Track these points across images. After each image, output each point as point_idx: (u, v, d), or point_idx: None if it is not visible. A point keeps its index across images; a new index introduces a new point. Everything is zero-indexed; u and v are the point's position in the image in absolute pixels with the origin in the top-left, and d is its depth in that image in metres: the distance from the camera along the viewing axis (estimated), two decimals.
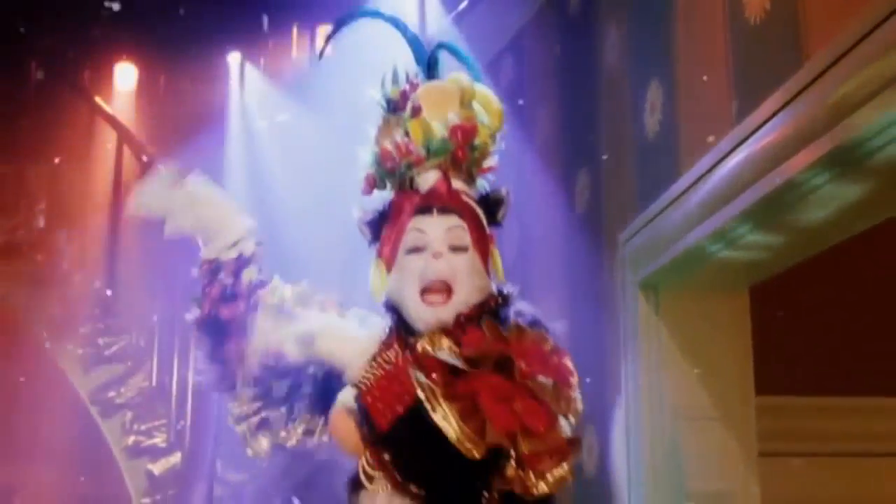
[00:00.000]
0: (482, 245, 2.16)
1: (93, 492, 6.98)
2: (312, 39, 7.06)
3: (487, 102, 2.24)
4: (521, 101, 4.99)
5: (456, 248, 2.12)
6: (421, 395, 1.95)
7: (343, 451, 2.16)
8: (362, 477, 2.07)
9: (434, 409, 1.93)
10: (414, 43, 2.32)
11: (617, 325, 3.99)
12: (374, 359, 2.10)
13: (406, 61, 2.32)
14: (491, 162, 2.23)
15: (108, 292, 7.00)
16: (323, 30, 6.70)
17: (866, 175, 2.69)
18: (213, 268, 2.24)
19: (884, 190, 2.78)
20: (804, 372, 4.63)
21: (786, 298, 4.33)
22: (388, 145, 2.18)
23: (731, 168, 3.10)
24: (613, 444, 3.93)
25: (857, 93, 2.49)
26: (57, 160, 7.32)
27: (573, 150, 4.70)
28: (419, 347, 2.03)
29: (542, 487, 1.94)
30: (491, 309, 2.12)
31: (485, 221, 2.19)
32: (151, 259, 6.78)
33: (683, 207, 3.45)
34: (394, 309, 2.15)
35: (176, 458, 6.01)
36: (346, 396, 2.13)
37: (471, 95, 2.22)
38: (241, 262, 2.25)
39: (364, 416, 2.06)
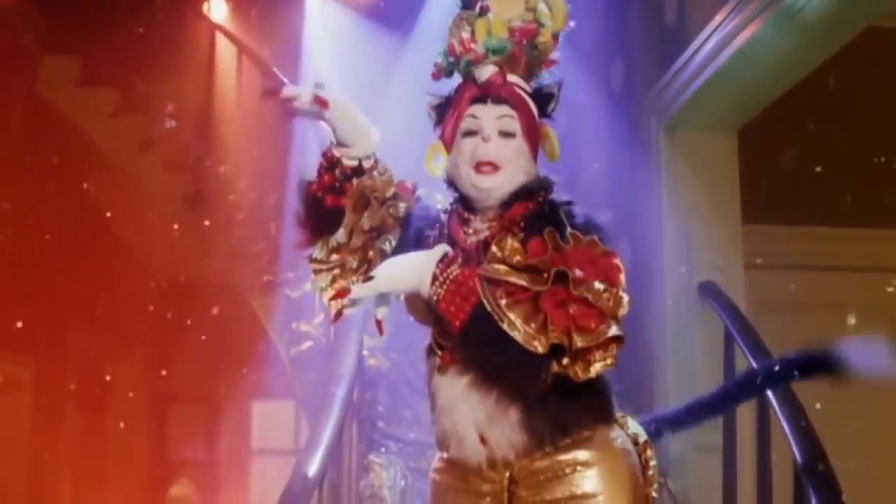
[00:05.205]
0: (531, 133, 2.37)
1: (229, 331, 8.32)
2: None
3: (554, 4, 2.43)
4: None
5: (505, 134, 2.34)
6: (488, 307, 2.15)
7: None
8: (434, 346, 2.36)
9: (501, 319, 2.13)
10: None
11: (648, 160, 5.62)
12: (437, 278, 2.22)
13: None
14: (553, 57, 2.45)
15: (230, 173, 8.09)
16: None
17: (797, 29, 4.37)
18: (335, 162, 2.41)
19: (811, 41, 4.47)
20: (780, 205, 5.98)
21: (767, 145, 5.74)
22: (454, 41, 2.39)
23: (721, 35, 4.79)
24: (643, 219, 5.57)
25: None
26: (180, 72, 8.51)
27: (610, 44, 6.30)
28: (491, 250, 2.23)
29: (588, 373, 2.17)
30: (535, 193, 2.35)
31: (535, 112, 2.39)
32: (266, 146, 7.95)
33: (689, 67, 5.15)
34: (453, 185, 2.40)
35: (308, 285, 6.28)
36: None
37: None
38: (358, 171, 2.41)
39: (439, 319, 2.26)
